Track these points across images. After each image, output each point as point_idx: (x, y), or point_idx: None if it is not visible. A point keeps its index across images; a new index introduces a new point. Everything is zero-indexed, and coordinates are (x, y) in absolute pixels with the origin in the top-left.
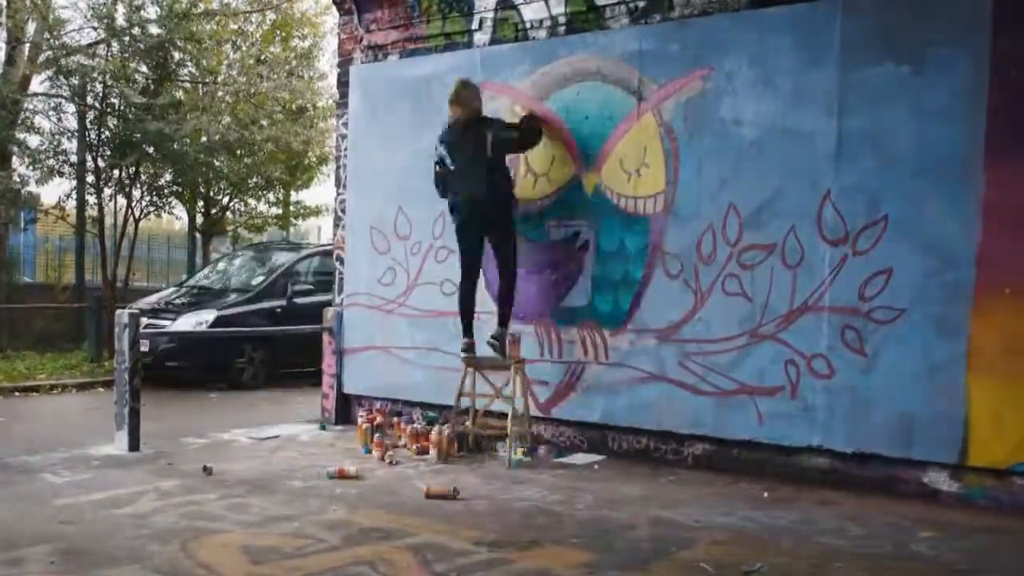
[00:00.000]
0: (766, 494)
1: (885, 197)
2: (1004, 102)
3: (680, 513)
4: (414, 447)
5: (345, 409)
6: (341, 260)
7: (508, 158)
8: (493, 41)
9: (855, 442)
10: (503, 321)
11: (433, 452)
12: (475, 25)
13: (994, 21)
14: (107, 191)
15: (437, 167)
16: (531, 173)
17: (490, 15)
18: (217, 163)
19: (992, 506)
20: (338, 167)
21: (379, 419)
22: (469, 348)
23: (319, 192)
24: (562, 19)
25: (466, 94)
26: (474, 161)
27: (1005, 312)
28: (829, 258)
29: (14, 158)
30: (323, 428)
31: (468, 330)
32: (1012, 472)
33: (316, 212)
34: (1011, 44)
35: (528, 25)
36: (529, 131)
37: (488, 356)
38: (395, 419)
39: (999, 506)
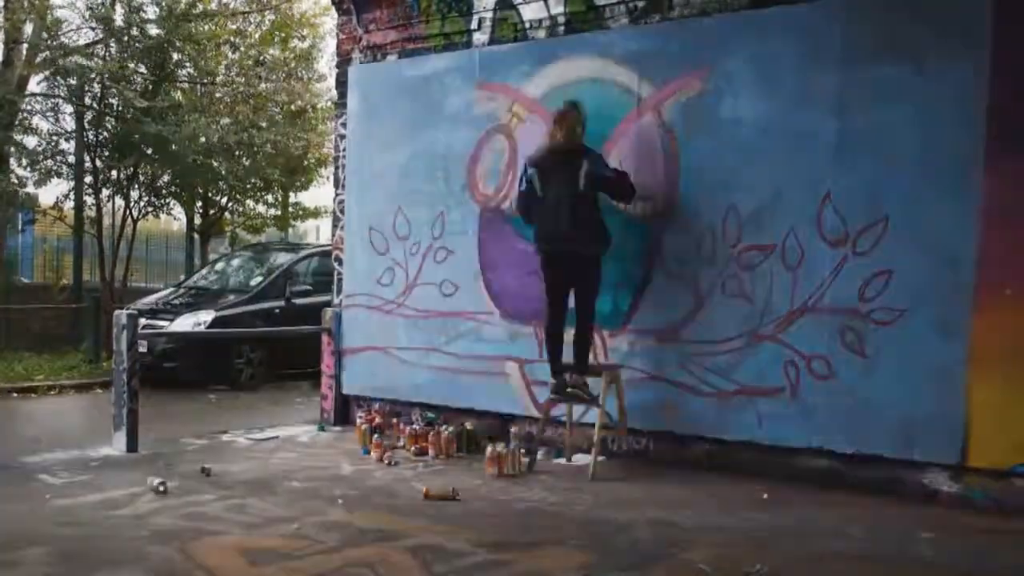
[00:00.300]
0: (766, 495)
1: (885, 198)
2: (1004, 102)
3: (679, 514)
4: (413, 448)
5: (344, 410)
6: (340, 261)
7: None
8: (492, 41)
9: (855, 443)
10: (581, 367)
11: (431, 452)
12: (474, 25)
13: (994, 21)
14: (105, 192)
15: (522, 189)
16: None
17: (489, 15)
18: (215, 164)
19: (992, 507)
20: (337, 168)
21: (378, 420)
22: (558, 390)
23: (318, 194)
24: (561, 19)
25: (572, 117)
26: (563, 194)
27: (1006, 313)
28: (829, 259)
29: (11, 159)
30: (322, 429)
31: (556, 368)
32: (1013, 473)
33: (315, 214)
34: (1011, 44)
35: (527, 25)
36: (621, 184)
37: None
38: (394, 420)
39: (999, 507)
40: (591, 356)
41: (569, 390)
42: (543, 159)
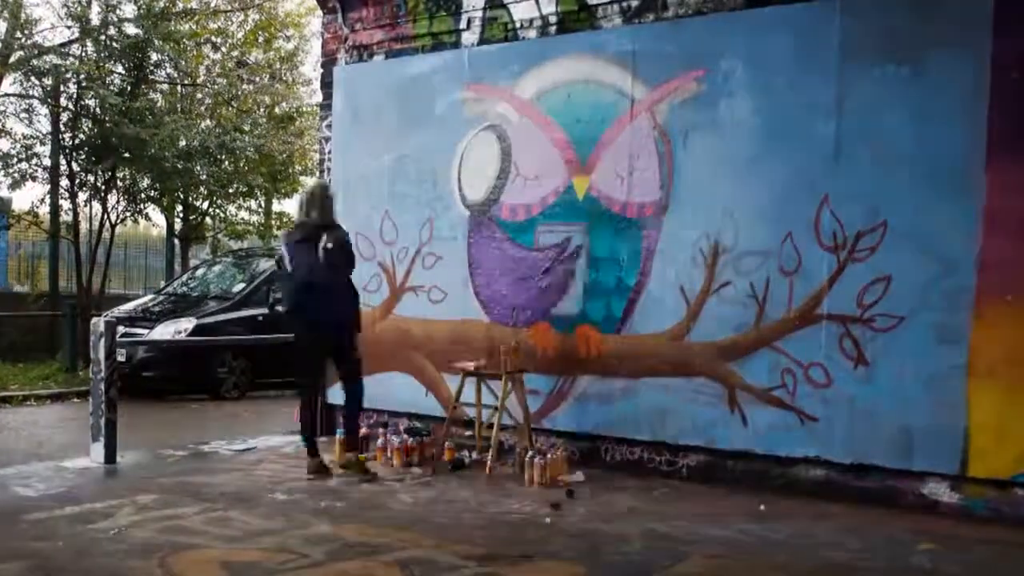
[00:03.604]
0: (762, 506)
1: (884, 202)
2: (1005, 105)
3: (674, 526)
4: (400, 459)
5: (329, 420)
6: None
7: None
8: (482, 41)
9: (853, 453)
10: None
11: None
12: (463, 25)
13: (995, 22)
14: (82, 196)
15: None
16: (521, 176)
17: (479, 14)
18: (196, 169)
19: (993, 517)
20: (321, 171)
21: (364, 430)
22: (317, 469)
23: None
24: (553, 19)
25: (313, 195)
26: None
27: (1006, 320)
28: (827, 264)
29: None
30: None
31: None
32: (1013, 483)
33: None
34: (1012, 46)
35: (518, 24)
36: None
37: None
38: (380, 430)
39: (1000, 517)
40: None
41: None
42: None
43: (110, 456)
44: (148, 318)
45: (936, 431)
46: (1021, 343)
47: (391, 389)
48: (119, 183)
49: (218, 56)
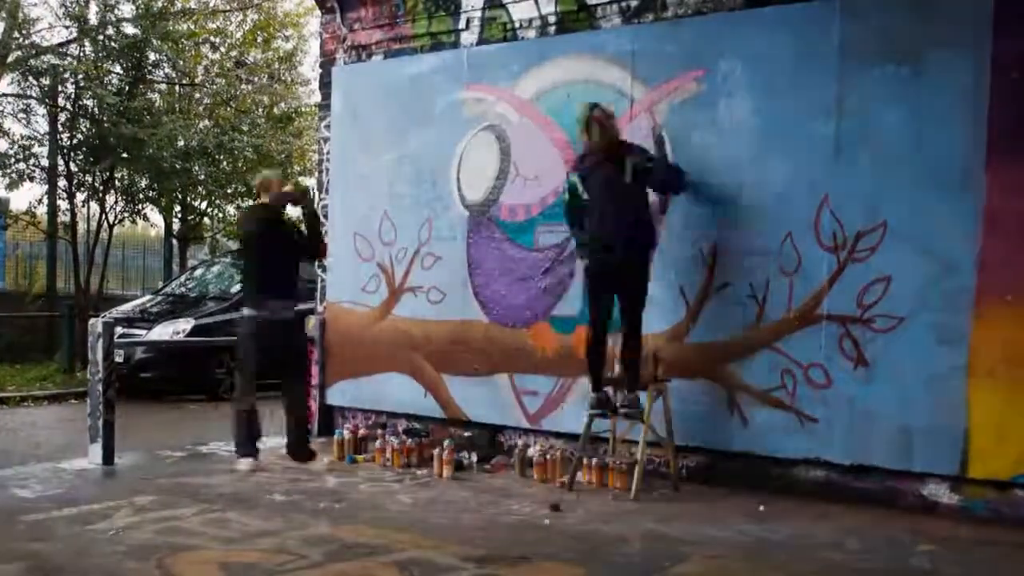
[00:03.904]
0: (762, 507)
1: (884, 202)
2: (1005, 105)
3: (673, 527)
4: (399, 460)
5: (328, 421)
6: (324, 267)
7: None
8: (481, 41)
9: (853, 453)
10: (633, 383)
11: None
12: (462, 24)
13: (995, 23)
14: (80, 196)
15: (564, 197)
16: (520, 177)
17: (478, 14)
18: (194, 169)
19: (993, 519)
20: (320, 171)
21: (363, 431)
22: (599, 404)
23: None
24: (552, 19)
25: (599, 116)
26: (608, 198)
27: (1006, 320)
28: (827, 264)
29: None
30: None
31: (597, 384)
32: (1013, 484)
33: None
34: (1012, 46)
35: (517, 24)
36: (667, 174)
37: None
38: (379, 431)
39: (1000, 519)
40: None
41: (623, 410)
42: (583, 163)
43: (108, 457)
44: (146, 319)
45: (936, 432)
46: (1021, 344)
47: (390, 390)
48: (117, 183)
49: (216, 56)
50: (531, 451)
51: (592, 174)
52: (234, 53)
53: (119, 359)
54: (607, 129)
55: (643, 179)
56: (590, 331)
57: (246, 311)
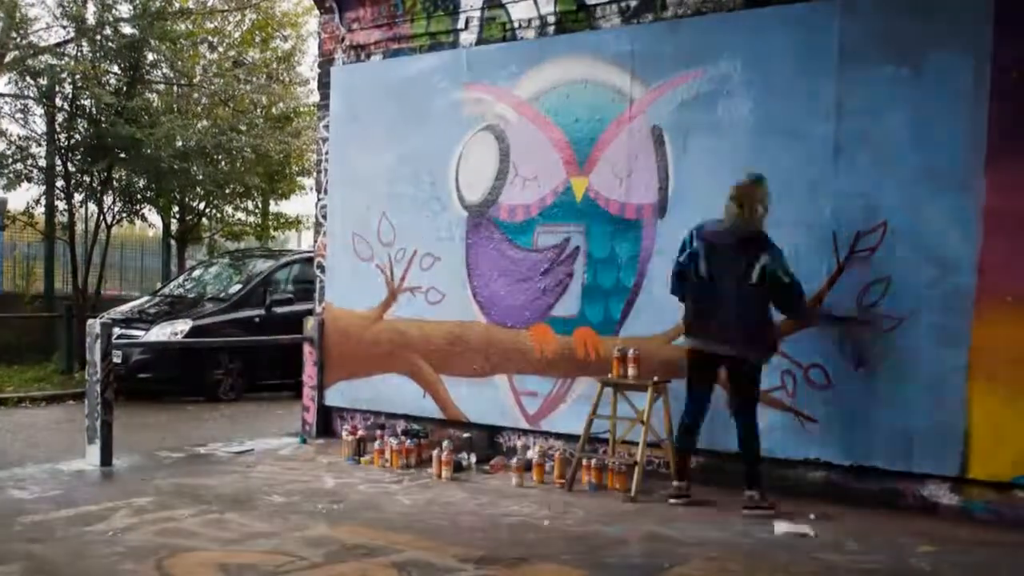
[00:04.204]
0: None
1: (884, 202)
2: (1005, 106)
3: (674, 528)
4: (398, 461)
5: (326, 422)
6: (322, 268)
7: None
8: (480, 41)
9: (853, 454)
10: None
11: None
12: (461, 24)
13: (995, 24)
14: (78, 197)
15: (681, 260)
16: (519, 177)
17: (477, 14)
18: (193, 169)
19: (993, 520)
20: (319, 172)
21: (362, 432)
22: (679, 494)
23: (299, 203)
24: (551, 19)
25: (754, 193)
26: (730, 284)
27: (1007, 321)
28: (827, 265)
29: None
30: (304, 441)
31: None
32: (1014, 485)
33: (296, 223)
34: (1012, 47)
35: (516, 25)
36: (793, 294)
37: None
38: (378, 432)
39: (1000, 520)
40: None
41: (745, 511)
42: (714, 236)
43: (106, 458)
44: (144, 319)
45: (936, 433)
46: (1021, 344)
47: (388, 391)
48: (115, 184)
49: (215, 56)
50: (530, 452)
51: (721, 252)
52: (232, 53)
53: (117, 360)
54: (755, 211)
55: (772, 282)
56: (685, 414)
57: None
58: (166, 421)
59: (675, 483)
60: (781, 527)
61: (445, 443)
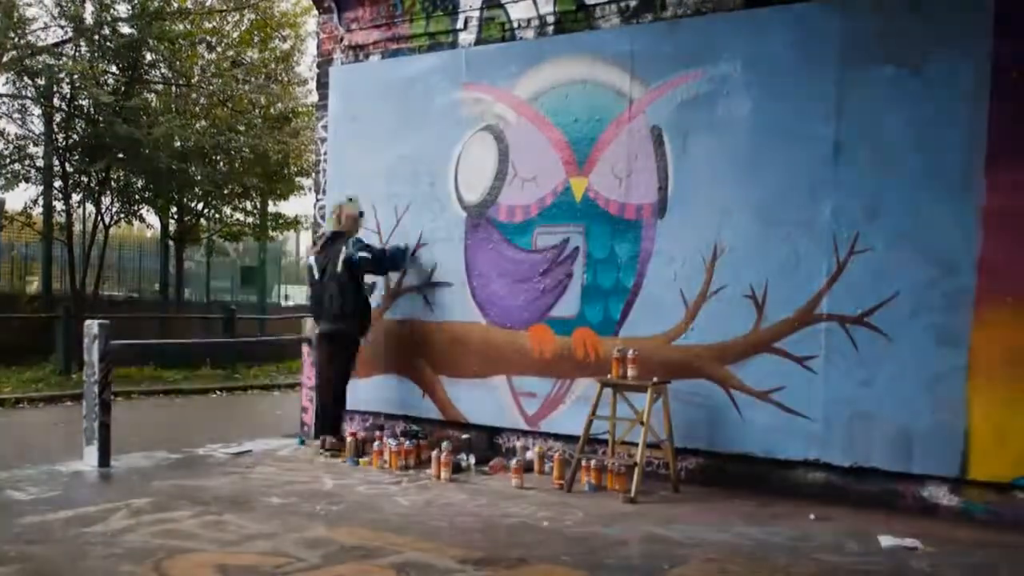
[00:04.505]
0: (762, 509)
1: (884, 203)
2: (1005, 107)
3: (673, 529)
4: (397, 462)
5: None
6: None
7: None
8: (479, 41)
9: (853, 455)
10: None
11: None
12: (460, 25)
13: (995, 24)
14: (76, 197)
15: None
16: (519, 178)
17: (476, 14)
18: (191, 169)
19: (993, 521)
20: (317, 172)
21: (362, 434)
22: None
23: (298, 203)
24: (550, 19)
25: (346, 209)
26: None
27: (1007, 322)
28: (826, 265)
29: None
30: (302, 443)
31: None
32: (1013, 486)
33: (295, 224)
34: (1012, 46)
35: (515, 25)
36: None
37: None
38: (377, 433)
39: (1000, 521)
40: None
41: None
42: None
43: (104, 459)
44: None
45: (936, 434)
46: (1021, 345)
47: (387, 392)
48: (113, 184)
49: (213, 56)
50: (529, 453)
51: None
52: (231, 53)
53: None
54: (338, 221)
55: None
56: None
57: None
58: (164, 422)
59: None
60: (887, 541)
61: (444, 444)
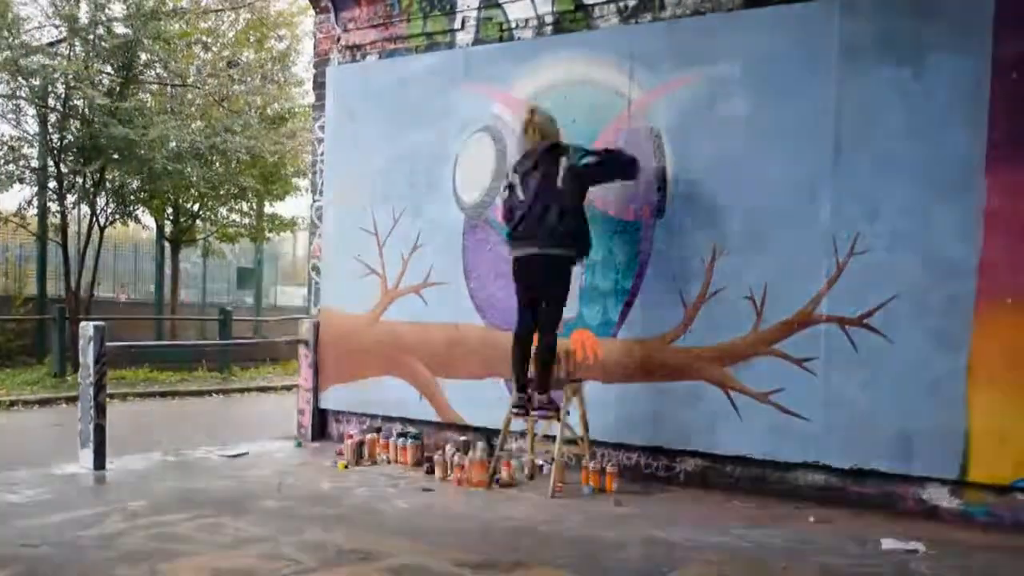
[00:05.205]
0: (761, 511)
1: (884, 203)
2: (1006, 107)
3: (672, 532)
4: (395, 465)
5: (322, 425)
6: (317, 270)
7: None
8: (476, 41)
9: (852, 457)
10: (543, 385)
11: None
12: (458, 24)
13: (996, 24)
14: (70, 198)
15: (504, 195)
16: None
17: (473, 14)
18: (187, 170)
19: (993, 523)
20: (314, 172)
21: (359, 437)
22: (519, 404)
23: (294, 204)
24: (548, 18)
25: (536, 118)
26: (540, 195)
27: (1007, 323)
28: (826, 266)
29: None
30: (299, 445)
31: (521, 384)
32: (1014, 488)
33: (291, 225)
34: (1013, 48)
35: (513, 25)
36: (611, 164)
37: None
38: (374, 435)
39: (1000, 523)
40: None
41: (533, 413)
42: (520, 163)
43: (99, 462)
44: None
45: (936, 435)
46: (1021, 346)
47: (384, 393)
48: (108, 185)
49: (209, 56)
50: (526, 456)
51: (529, 172)
52: (227, 53)
53: None
54: (545, 131)
55: (581, 179)
56: (516, 326)
57: None
58: (160, 424)
59: (517, 393)
60: (887, 543)
61: (448, 447)
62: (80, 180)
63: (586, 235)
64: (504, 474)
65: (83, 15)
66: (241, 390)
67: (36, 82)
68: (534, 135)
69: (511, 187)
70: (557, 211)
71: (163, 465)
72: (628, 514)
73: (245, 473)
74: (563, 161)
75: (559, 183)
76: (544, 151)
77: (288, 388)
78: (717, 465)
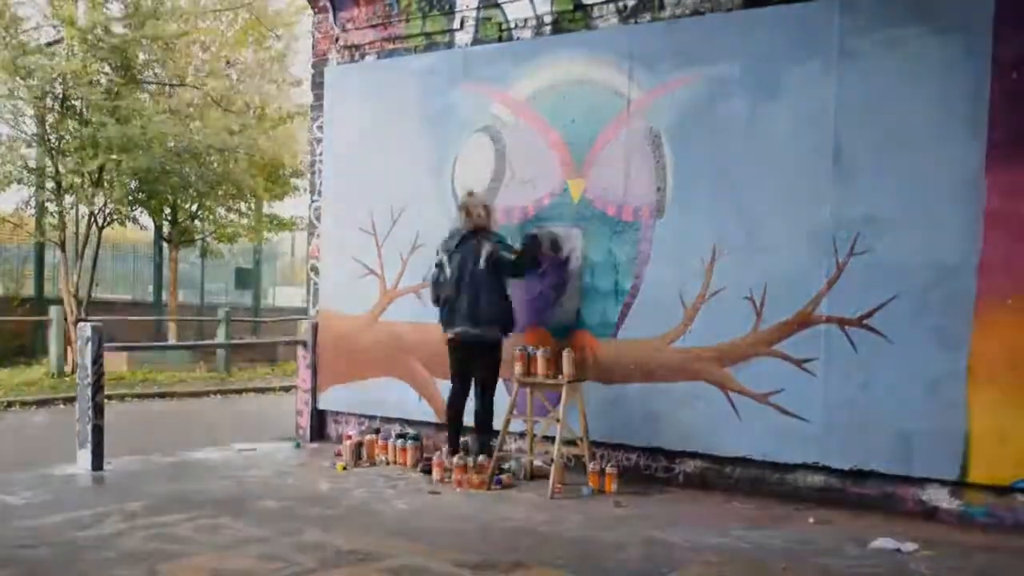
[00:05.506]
0: (761, 512)
1: (883, 204)
2: (1006, 107)
3: (671, 533)
4: (394, 465)
5: (321, 426)
6: (316, 270)
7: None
8: (475, 41)
9: (852, 458)
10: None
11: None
12: (456, 24)
13: (996, 24)
14: (68, 198)
15: (433, 272)
16: (516, 178)
17: (472, 14)
18: (185, 170)
19: (993, 524)
20: (313, 173)
21: (357, 438)
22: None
23: (293, 204)
24: (547, 18)
25: (471, 202)
26: (462, 277)
27: (1007, 323)
28: (825, 267)
29: None
30: (298, 446)
31: (453, 448)
32: (1014, 489)
33: (290, 225)
34: (1012, 47)
35: (512, 24)
36: (529, 257)
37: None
38: (372, 436)
39: (1000, 524)
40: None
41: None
42: (447, 242)
43: (98, 463)
44: None
45: (936, 436)
46: (1022, 347)
47: (383, 394)
48: (106, 185)
49: (207, 56)
50: (525, 457)
51: (454, 253)
52: (224, 53)
53: None
54: (476, 213)
55: (499, 267)
56: (448, 396)
57: None
58: (158, 425)
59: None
60: (887, 544)
61: (445, 448)
62: (78, 180)
63: (508, 313)
64: (504, 475)
65: (81, 15)
66: (239, 391)
67: (34, 82)
68: (468, 217)
69: (440, 265)
70: (480, 293)
71: (161, 466)
72: (627, 515)
73: (244, 474)
74: (486, 246)
75: (481, 264)
76: (470, 233)
77: (287, 389)
78: (717, 466)
